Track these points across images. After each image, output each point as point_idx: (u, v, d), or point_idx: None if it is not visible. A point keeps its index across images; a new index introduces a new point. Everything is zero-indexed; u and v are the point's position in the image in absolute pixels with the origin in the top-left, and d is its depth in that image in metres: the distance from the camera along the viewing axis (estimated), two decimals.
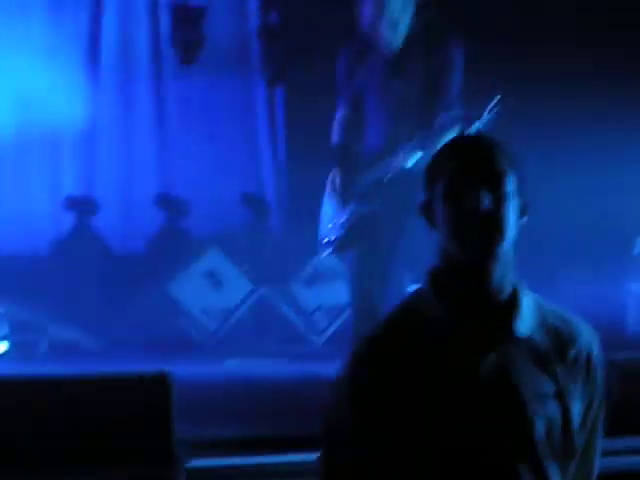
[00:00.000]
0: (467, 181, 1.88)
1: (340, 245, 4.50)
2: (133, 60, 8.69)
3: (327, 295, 7.28)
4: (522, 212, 1.93)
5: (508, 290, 1.92)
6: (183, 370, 3.83)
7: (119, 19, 8.66)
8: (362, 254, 4.48)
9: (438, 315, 1.90)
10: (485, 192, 1.87)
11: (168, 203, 8.28)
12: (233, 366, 6.60)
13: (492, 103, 4.15)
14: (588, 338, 1.98)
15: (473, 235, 1.86)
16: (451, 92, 4.26)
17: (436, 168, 1.94)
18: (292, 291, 7.35)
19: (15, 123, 8.30)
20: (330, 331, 7.22)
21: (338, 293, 7.18)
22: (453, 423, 1.86)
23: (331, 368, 5.92)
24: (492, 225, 1.87)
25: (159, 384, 2.25)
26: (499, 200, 1.88)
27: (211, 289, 7.38)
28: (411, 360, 1.88)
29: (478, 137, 1.97)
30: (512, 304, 1.92)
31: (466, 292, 1.90)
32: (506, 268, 1.91)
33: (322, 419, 1.95)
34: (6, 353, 7.02)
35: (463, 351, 1.88)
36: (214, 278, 7.38)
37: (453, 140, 1.99)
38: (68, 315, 7.18)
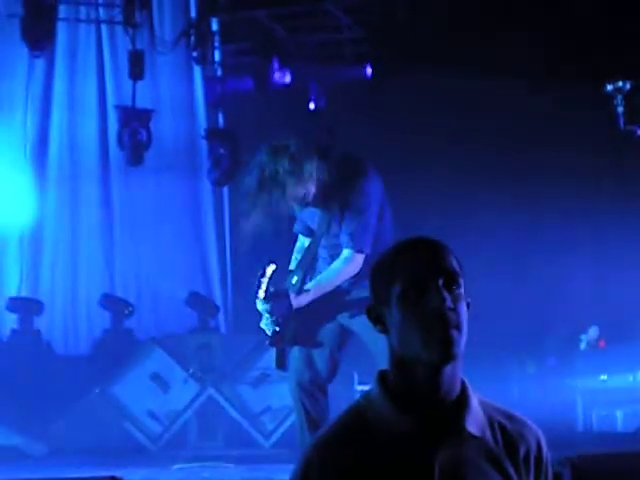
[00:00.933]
0: (428, 282, 1.90)
1: (273, 342, 4.50)
2: (80, 160, 8.71)
3: (275, 397, 7.21)
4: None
5: (458, 390, 1.94)
6: (129, 475, 3.75)
7: (68, 119, 8.70)
8: (301, 355, 4.48)
9: (390, 418, 1.90)
10: (446, 292, 1.90)
11: (113, 304, 8.21)
12: (180, 471, 6.47)
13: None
14: (535, 436, 1.99)
15: (438, 336, 1.88)
16: (350, 224, 4.38)
17: (386, 272, 1.94)
18: (240, 392, 7.26)
19: None
20: (278, 433, 7.13)
21: (286, 395, 7.11)
22: None
23: (279, 472, 5.83)
24: (455, 325, 1.89)
25: None
26: (456, 300, 1.91)
27: (157, 391, 7.27)
28: (363, 463, 1.88)
29: (428, 239, 1.99)
30: (462, 403, 1.94)
31: (418, 394, 1.91)
32: (456, 368, 1.93)
33: None
34: None
35: (417, 453, 1.88)
36: (160, 380, 7.28)
37: (400, 244, 1.99)
38: (9, 419, 7.02)
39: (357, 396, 4.59)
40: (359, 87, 8.02)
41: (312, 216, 4.54)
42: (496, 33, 7.30)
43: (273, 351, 4.64)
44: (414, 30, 7.46)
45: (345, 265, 4.36)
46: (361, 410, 1.95)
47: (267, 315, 4.34)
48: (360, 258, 4.36)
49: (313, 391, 4.46)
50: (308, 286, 4.38)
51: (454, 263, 1.94)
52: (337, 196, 4.42)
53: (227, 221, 8.85)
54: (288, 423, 7.08)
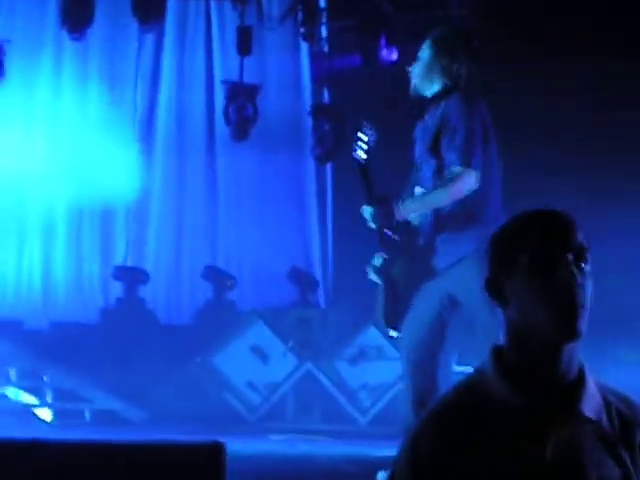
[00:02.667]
0: (558, 255, 1.85)
1: (387, 319, 4.46)
2: (187, 134, 8.85)
3: (372, 373, 7.24)
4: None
5: (575, 370, 1.90)
6: (228, 443, 3.81)
7: (176, 93, 8.83)
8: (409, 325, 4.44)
9: (504, 395, 1.87)
10: (575, 268, 1.85)
11: (216, 276, 8.34)
12: (276, 442, 6.56)
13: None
14: None
15: (565, 313, 1.84)
16: (447, 145, 4.26)
17: (513, 242, 1.89)
18: (337, 368, 7.31)
19: (68, 193, 8.46)
20: (375, 410, 7.15)
21: (383, 372, 7.14)
22: None
23: (375, 448, 5.84)
24: (582, 303, 1.85)
25: (213, 454, 2.26)
26: (584, 277, 1.86)
27: (256, 363, 7.37)
28: (475, 439, 1.86)
29: (557, 211, 1.91)
30: (578, 385, 1.89)
31: (535, 372, 1.87)
32: (576, 348, 1.89)
33: None
34: (49, 421, 7.05)
35: (530, 431, 1.85)
36: (259, 352, 7.38)
37: (529, 214, 1.92)
38: (113, 385, 7.21)
39: (455, 377, 4.54)
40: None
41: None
42: (608, 16, 7.16)
43: (372, 329, 4.64)
44: (521, 5, 7.37)
45: (456, 181, 4.16)
46: (473, 384, 1.92)
47: (370, 221, 4.30)
48: (472, 174, 4.16)
49: (423, 362, 4.38)
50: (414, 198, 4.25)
51: (583, 238, 1.89)
52: (437, 112, 4.36)
53: (330, 197, 8.88)
54: (385, 400, 7.10)
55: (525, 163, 6.86)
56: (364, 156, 4.27)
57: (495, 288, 1.91)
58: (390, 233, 4.26)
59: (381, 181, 4.39)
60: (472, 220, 4.24)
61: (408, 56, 8.17)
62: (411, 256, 4.33)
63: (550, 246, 1.86)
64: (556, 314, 1.85)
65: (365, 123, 4.31)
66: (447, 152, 4.23)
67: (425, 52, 4.48)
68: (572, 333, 1.86)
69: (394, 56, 8.13)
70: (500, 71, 7.20)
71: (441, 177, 4.26)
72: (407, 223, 4.35)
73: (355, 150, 4.29)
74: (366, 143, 4.27)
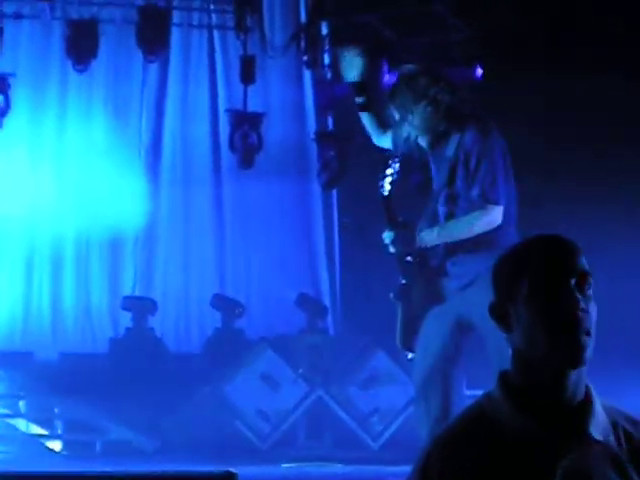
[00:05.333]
0: (560, 280, 1.85)
1: (403, 341, 4.45)
2: (193, 163, 8.88)
3: (383, 398, 7.22)
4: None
5: (582, 392, 1.90)
6: (239, 472, 3.80)
7: (181, 122, 8.88)
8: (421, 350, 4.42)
9: (511, 419, 1.88)
10: (578, 293, 1.85)
11: (224, 304, 8.34)
12: (288, 469, 6.54)
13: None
14: None
15: (568, 340, 1.84)
16: (469, 179, 4.25)
17: (515, 268, 1.89)
18: (348, 394, 7.30)
19: (76, 224, 8.49)
20: (386, 435, 7.13)
21: (394, 396, 7.12)
22: None
23: (387, 473, 5.82)
24: (586, 329, 1.85)
25: None
26: (587, 302, 1.86)
27: (266, 391, 7.36)
28: (483, 463, 1.86)
29: (559, 237, 1.90)
30: (585, 407, 1.90)
31: (542, 396, 1.88)
32: (582, 372, 1.89)
33: None
34: (60, 452, 7.04)
35: (539, 455, 1.85)
36: (269, 380, 7.37)
37: (531, 239, 1.93)
38: (123, 415, 7.20)
39: (465, 401, 4.55)
40: (468, 88, 7.96)
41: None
42: (606, 32, 7.19)
43: (381, 354, 4.63)
44: (524, 30, 7.41)
45: (481, 217, 4.20)
46: (482, 409, 1.92)
47: (391, 246, 4.30)
48: (497, 210, 4.19)
49: (435, 385, 4.37)
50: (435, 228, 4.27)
51: (586, 263, 1.89)
52: (453, 143, 4.33)
53: (336, 223, 8.90)
54: (396, 425, 7.08)
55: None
56: (388, 187, 4.30)
57: (499, 314, 1.92)
58: (410, 259, 4.28)
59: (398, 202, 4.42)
60: (484, 244, 4.25)
61: None
62: (426, 279, 4.35)
63: (552, 272, 1.86)
64: (558, 342, 1.84)
65: (393, 157, 4.33)
66: (469, 187, 4.26)
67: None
68: (576, 360, 1.86)
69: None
70: (498, 92, 7.25)
71: (455, 205, 4.29)
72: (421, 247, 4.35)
73: (382, 183, 4.31)
74: (391, 175, 4.29)
